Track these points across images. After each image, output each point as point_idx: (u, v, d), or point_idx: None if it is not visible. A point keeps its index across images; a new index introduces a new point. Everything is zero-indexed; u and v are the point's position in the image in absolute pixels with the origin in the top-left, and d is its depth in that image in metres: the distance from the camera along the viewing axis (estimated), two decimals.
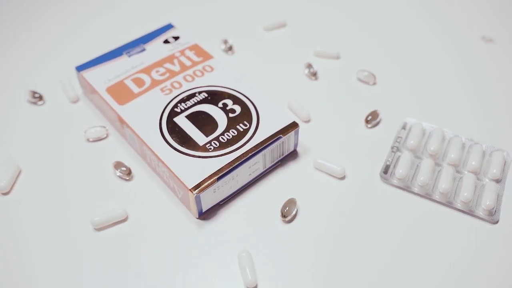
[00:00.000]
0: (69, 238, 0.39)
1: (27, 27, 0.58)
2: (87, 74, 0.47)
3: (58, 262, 0.38)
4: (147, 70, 0.47)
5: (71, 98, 0.49)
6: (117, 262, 0.38)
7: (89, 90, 0.48)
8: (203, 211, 0.40)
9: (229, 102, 0.44)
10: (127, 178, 0.43)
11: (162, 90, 0.45)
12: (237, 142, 0.41)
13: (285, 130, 0.42)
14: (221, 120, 0.42)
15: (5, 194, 0.42)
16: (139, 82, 0.46)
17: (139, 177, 0.43)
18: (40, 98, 0.49)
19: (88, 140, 0.46)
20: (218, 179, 0.39)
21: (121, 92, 0.45)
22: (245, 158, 0.40)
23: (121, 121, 0.44)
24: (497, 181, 0.42)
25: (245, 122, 0.42)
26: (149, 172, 0.44)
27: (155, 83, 0.46)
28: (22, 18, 0.59)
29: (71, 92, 0.49)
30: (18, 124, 0.48)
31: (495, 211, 0.40)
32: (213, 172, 0.39)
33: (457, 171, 0.43)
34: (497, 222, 0.40)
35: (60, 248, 0.39)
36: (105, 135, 0.46)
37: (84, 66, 0.48)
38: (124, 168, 0.43)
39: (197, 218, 0.40)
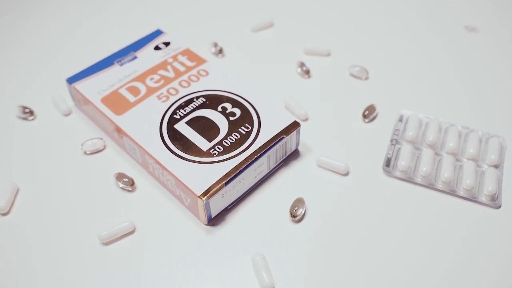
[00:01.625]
0: (76, 253, 0.38)
1: (11, 41, 0.57)
2: (79, 85, 0.46)
3: (67, 278, 0.37)
4: (141, 78, 0.46)
5: (63, 111, 0.48)
6: (129, 275, 0.37)
7: (82, 102, 0.47)
8: (212, 217, 0.40)
9: (228, 105, 0.44)
10: (130, 189, 0.42)
11: (158, 97, 0.44)
12: (241, 145, 0.41)
13: (287, 130, 0.42)
14: (222, 124, 0.42)
15: (5, 214, 0.41)
16: (134, 90, 0.45)
17: (142, 187, 0.43)
18: (31, 113, 0.48)
19: (85, 152, 0.45)
20: (226, 183, 0.38)
21: (117, 102, 0.44)
22: (251, 160, 0.40)
23: (120, 131, 0.43)
24: (496, 166, 0.43)
25: (247, 125, 0.42)
26: (152, 182, 0.43)
27: (150, 90, 0.45)
28: (5, 32, 0.58)
29: (62, 105, 0.48)
30: (11, 141, 0.46)
31: (497, 196, 0.41)
32: (220, 177, 0.38)
33: (457, 159, 0.44)
34: (499, 206, 0.41)
35: (68, 264, 0.38)
36: (102, 147, 0.45)
37: (75, 78, 0.47)
38: (126, 179, 0.42)
39: (206, 225, 0.40)
